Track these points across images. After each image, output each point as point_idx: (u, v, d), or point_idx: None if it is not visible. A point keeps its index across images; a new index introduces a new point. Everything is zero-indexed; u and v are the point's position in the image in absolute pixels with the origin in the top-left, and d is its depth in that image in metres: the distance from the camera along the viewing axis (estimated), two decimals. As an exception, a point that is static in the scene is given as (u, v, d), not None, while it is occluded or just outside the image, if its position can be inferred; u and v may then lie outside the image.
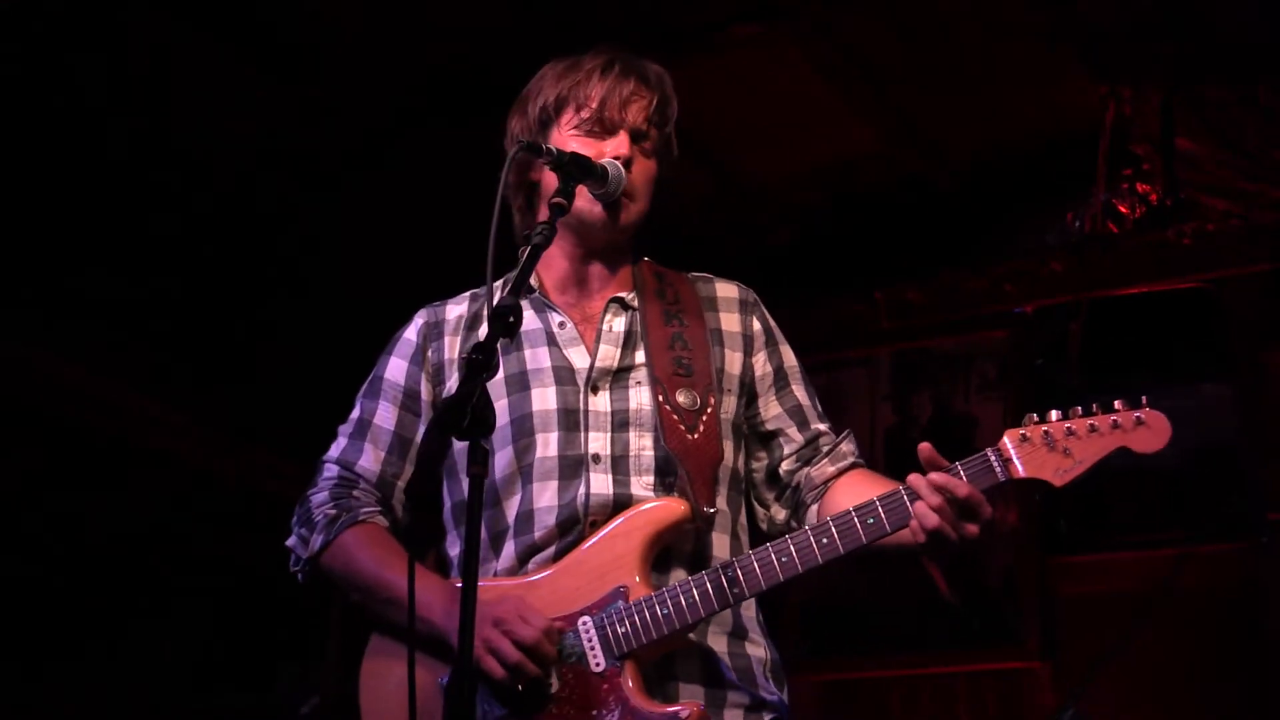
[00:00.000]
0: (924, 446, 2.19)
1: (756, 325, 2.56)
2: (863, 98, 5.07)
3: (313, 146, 4.97)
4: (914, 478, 2.19)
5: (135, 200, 4.99)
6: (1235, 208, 5.08)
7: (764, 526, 2.54)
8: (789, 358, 2.59)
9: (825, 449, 2.51)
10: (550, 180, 2.42)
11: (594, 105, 2.44)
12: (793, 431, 2.52)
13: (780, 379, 2.55)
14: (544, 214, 2.37)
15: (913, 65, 4.90)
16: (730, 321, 2.54)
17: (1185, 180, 5.12)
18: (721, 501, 2.41)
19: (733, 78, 4.88)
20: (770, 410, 2.53)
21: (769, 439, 2.53)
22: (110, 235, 4.99)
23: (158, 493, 5.66)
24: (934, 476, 2.16)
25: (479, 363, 1.98)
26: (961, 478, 2.17)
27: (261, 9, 4.37)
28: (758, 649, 2.40)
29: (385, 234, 5.36)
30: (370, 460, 2.49)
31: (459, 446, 2.42)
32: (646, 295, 2.51)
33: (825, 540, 2.21)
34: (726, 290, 2.59)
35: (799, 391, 2.56)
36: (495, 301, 2.17)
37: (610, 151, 2.42)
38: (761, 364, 2.54)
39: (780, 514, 2.52)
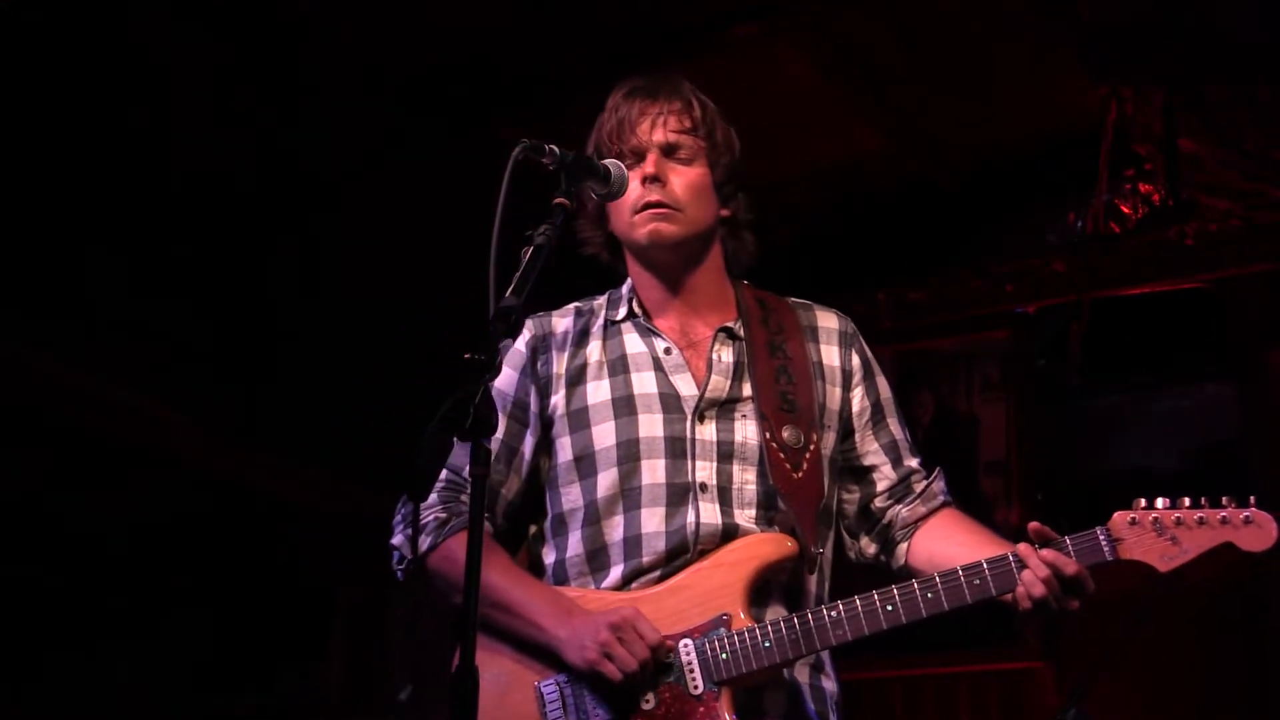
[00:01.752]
0: (1035, 526, 2.29)
1: (856, 359, 2.61)
2: (864, 98, 5.07)
3: (319, 148, 4.97)
4: (1024, 548, 2.28)
5: (139, 201, 4.99)
6: (1236, 208, 5.09)
7: (852, 556, 2.62)
8: (884, 390, 2.64)
9: (918, 488, 2.58)
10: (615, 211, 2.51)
11: (615, 140, 2.51)
12: (887, 468, 2.59)
13: (877, 413, 2.60)
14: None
15: (914, 65, 4.89)
16: (830, 355, 2.59)
17: (1187, 180, 5.13)
18: (823, 540, 2.49)
19: (733, 78, 4.87)
20: (866, 445, 2.59)
21: (863, 474, 2.59)
22: (113, 236, 4.99)
23: (159, 493, 5.66)
24: (1045, 554, 2.26)
25: (481, 363, 1.98)
26: (1070, 553, 2.27)
27: (263, 10, 4.37)
28: (830, 683, 2.48)
29: (391, 235, 5.36)
30: None
31: (562, 460, 2.49)
32: (752, 324, 2.56)
33: (930, 595, 2.29)
34: (827, 320, 2.65)
35: (894, 426, 2.62)
36: (499, 303, 2.16)
37: (641, 175, 2.48)
38: (860, 399, 2.59)
39: (870, 548, 2.60)
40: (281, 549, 5.96)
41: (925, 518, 2.56)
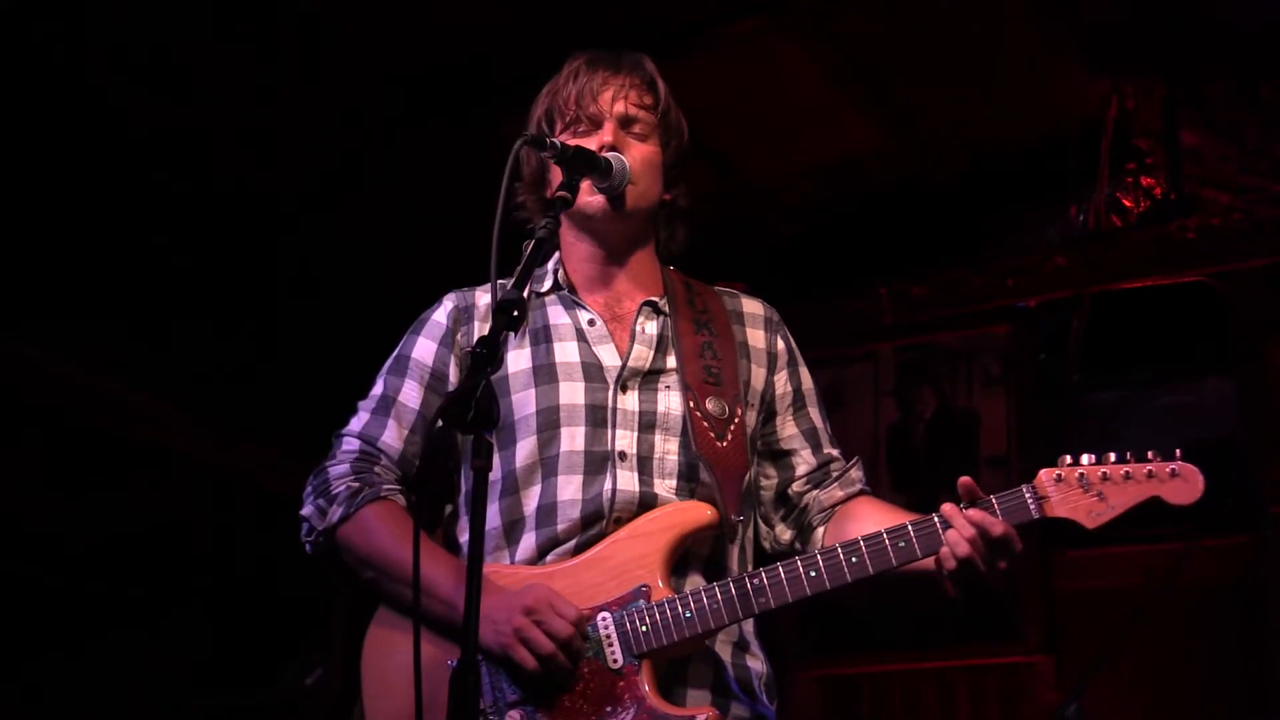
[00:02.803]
0: (964, 481, 2.23)
1: (780, 344, 2.60)
2: (864, 94, 5.07)
3: (315, 145, 4.97)
4: (949, 508, 2.23)
5: (137, 198, 4.99)
6: (1237, 202, 5.08)
7: (767, 545, 2.58)
8: (807, 380, 2.62)
9: (835, 474, 2.56)
10: (558, 177, 2.43)
11: (573, 105, 2.48)
12: (806, 453, 2.56)
13: (798, 400, 2.59)
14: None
15: (914, 61, 4.89)
16: (756, 338, 2.58)
17: (1188, 175, 5.13)
18: (745, 512, 2.45)
19: (733, 75, 4.88)
20: (786, 430, 2.57)
21: (781, 458, 2.57)
22: (112, 233, 4.99)
23: (158, 490, 5.66)
24: (971, 513, 2.20)
25: (483, 356, 1.98)
26: (997, 513, 2.21)
27: (264, 5, 4.37)
28: (757, 662, 2.43)
29: (386, 232, 5.36)
30: (393, 437, 2.47)
31: (523, 461, 2.43)
32: (677, 302, 2.53)
33: (855, 560, 2.23)
34: (753, 306, 2.63)
35: (814, 414, 2.60)
36: (500, 295, 2.16)
37: (598, 143, 2.44)
38: (783, 383, 2.58)
39: (786, 534, 2.57)
40: (280, 545, 5.96)
41: (842, 502, 2.53)
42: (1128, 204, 5.27)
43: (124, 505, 5.64)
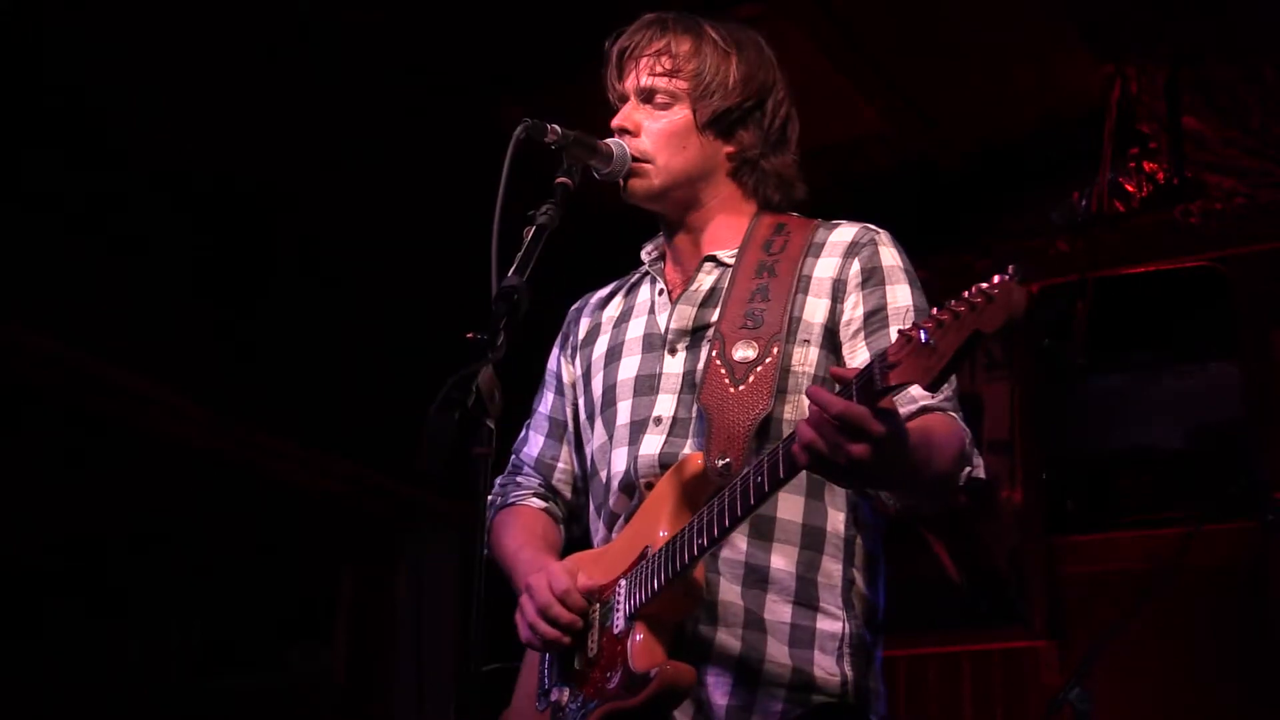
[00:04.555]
0: (832, 369, 2.00)
1: (856, 266, 2.35)
2: (865, 77, 5.05)
3: (316, 131, 4.96)
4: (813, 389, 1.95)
5: (136, 184, 4.99)
6: (1241, 186, 5.07)
7: None
8: (896, 298, 2.32)
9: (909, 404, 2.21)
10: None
11: (609, 90, 2.49)
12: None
13: (874, 322, 2.29)
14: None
15: (916, 44, 4.88)
16: (827, 267, 2.36)
17: (1191, 159, 5.11)
18: (751, 451, 2.22)
19: (736, 58, 4.86)
20: (856, 358, 2.27)
21: None
22: (112, 217, 4.99)
23: (161, 476, 5.67)
24: (811, 389, 1.93)
25: (483, 342, 1.98)
26: (852, 393, 1.89)
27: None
28: (832, 622, 2.24)
29: (392, 219, 5.35)
30: (533, 446, 2.63)
31: (582, 421, 2.52)
32: (750, 248, 2.41)
33: (759, 479, 2.03)
34: (842, 235, 2.42)
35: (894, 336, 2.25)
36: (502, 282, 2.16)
37: (616, 124, 2.45)
38: (852, 307, 2.32)
39: None
40: (285, 531, 5.97)
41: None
42: (1130, 188, 5.25)
43: (125, 492, 5.65)
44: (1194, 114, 5.06)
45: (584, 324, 2.61)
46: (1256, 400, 5.03)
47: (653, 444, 2.32)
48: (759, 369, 2.26)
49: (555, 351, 2.66)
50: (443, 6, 4.47)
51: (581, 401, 2.54)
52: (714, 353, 2.31)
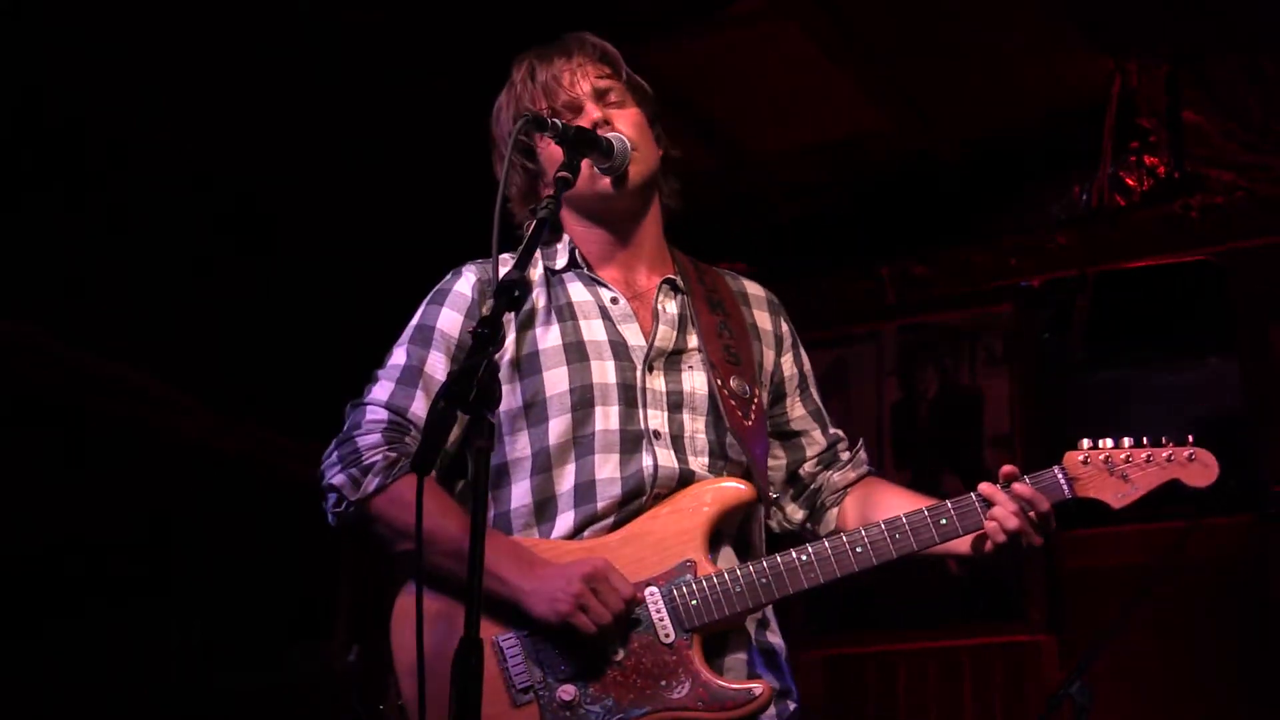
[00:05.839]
0: (1007, 468, 2.34)
1: (785, 327, 2.65)
2: (866, 73, 5.05)
3: (316, 130, 4.96)
4: (987, 487, 2.32)
5: (137, 184, 4.99)
6: (1241, 180, 5.07)
7: (774, 525, 2.59)
8: (807, 362, 2.67)
9: (844, 456, 2.62)
10: (551, 159, 2.44)
11: (543, 98, 2.47)
12: (816, 434, 2.61)
13: (803, 382, 2.64)
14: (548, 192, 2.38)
15: (917, 39, 4.88)
16: (763, 319, 2.61)
17: (1191, 153, 5.12)
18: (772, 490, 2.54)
19: (736, 54, 4.87)
20: (795, 411, 2.61)
21: (791, 438, 2.61)
22: (112, 216, 4.99)
23: (160, 475, 5.67)
24: (1019, 488, 2.30)
25: (485, 336, 1.97)
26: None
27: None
28: (777, 638, 2.46)
29: (392, 218, 5.36)
30: (422, 408, 2.39)
31: (508, 408, 2.39)
32: (690, 280, 2.55)
33: (899, 536, 2.30)
34: (756, 289, 2.66)
35: (816, 396, 2.65)
36: (502, 276, 2.16)
37: (588, 123, 2.43)
38: (789, 365, 2.62)
39: (798, 514, 2.60)
40: (285, 525, 5.97)
41: (854, 483, 2.59)
42: (1131, 183, 5.25)
43: (125, 492, 5.64)
44: (1194, 108, 5.06)
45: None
46: (1256, 394, 5.03)
47: (667, 457, 2.36)
48: (754, 406, 2.45)
49: (458, 318, 2.44)
50: (443, 6, 4.47)
51: (517, 386, 2.38)
52: (717, 382, 2.41)
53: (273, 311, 5.46)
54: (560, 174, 2.31)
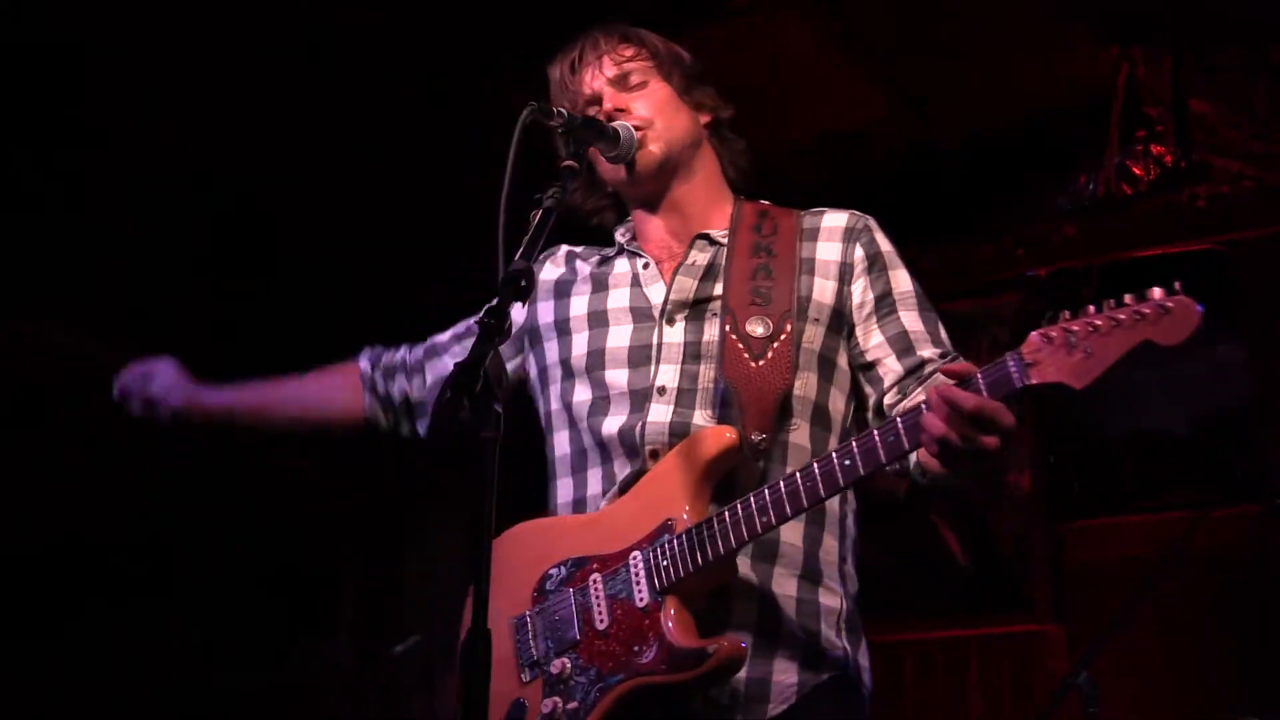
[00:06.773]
0: (947, 366, 2.08)
1: (859, 252, 2.44)
2: (869, 64, 5.04)
3: (316, 130, 4.95)
4: (931, 393, 2.03)
5: (137, 184, 4.98)
6: (1248, 169, 5.06)
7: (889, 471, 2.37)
8: (900, 282, 2.43)
9: (927, 375, 2.31)
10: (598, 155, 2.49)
11: (574, 102, 2.51)
12: (891, 361, 2.36)
13: (884, 306, 2.40)
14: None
15: (920, 29, 4.86)
16: (828, 250, 2.45)
17: (1198, 142, 5.10)
18: (798, 435, 2.33)
19: (737, 46, 4.85)
20: (870, 340, 2.39)
21: (869, 370, 2.39)
22: (112, 216, 4.99)
23: (162, 469, 5.66)
24: (941, 388, 2.01)
25: (491, 326, 1.97)
26: (981, 388, 1.99)
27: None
28: (832, 597, 2.33)
29: (393, 217, 5.35)
30: (453, 345, 2.77)
31: (549, 361, 2.51)
32: (740, 230, 2.49)
33: (848, 462, 2.08)
34: (834, 220, 2.50)
35: (907, 317, 2.39)
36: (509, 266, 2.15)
37: (604, 116, 2.48)
38: (861, 290, 2.42)
39: None
40: (290, 524, 5.97)
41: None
42: (1138, 172, 5.24)
43: (125, 492, 5.64)
44: (1200, 97, 5.05)
45: (553, 270, 2.60)
46: (1263, 384, 5.02)
47: (661, 413, 2.33)
48: (775, 345, 2.32)
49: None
50: (443, 6, 4.46)
51: (550, 347, 2.52)
52: (727, 327, 2.35)
53: (273, 311, 5.46)
54: (565, 163, 2.32)
